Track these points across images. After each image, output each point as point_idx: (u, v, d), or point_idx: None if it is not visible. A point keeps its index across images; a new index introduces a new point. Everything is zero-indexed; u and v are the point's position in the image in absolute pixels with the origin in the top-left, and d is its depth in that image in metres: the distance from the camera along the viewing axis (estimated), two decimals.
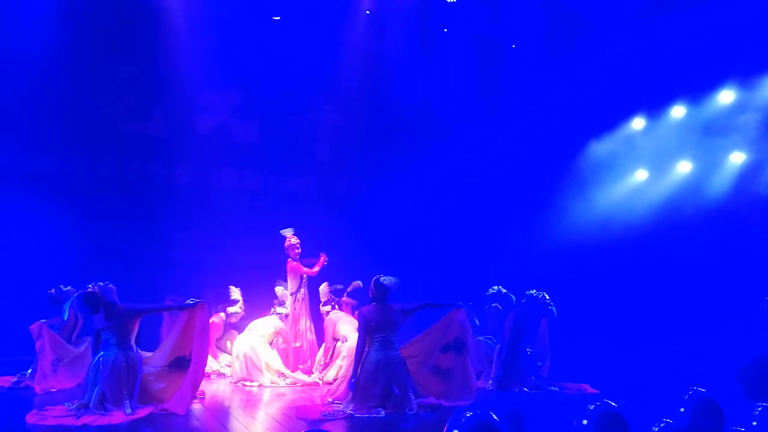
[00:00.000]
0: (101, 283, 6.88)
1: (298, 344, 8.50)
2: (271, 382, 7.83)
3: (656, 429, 3.05)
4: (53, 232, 9.24)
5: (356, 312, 8.09)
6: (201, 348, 6.29)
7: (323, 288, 8.58)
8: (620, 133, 10.79)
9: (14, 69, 9.35)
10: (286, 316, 8.43)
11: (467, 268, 10.95)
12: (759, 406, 3.07)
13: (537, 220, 10.83)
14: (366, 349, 6.52)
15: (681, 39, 9.27)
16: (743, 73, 9.28)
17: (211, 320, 8.57)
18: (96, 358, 6.13)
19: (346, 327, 7.98)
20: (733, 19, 8.82)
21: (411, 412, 6.21)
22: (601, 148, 10.77)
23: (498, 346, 8.02)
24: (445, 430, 2.51)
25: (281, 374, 8.00)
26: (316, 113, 11.88)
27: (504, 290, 8.54)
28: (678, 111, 10.26)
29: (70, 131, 10.08)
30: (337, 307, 8.49)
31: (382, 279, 6.67)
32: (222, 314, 8.87)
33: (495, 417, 2.51)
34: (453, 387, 6.70)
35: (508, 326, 7.93)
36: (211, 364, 8.31)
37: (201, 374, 6.37)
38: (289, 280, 8.56)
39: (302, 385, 7.86)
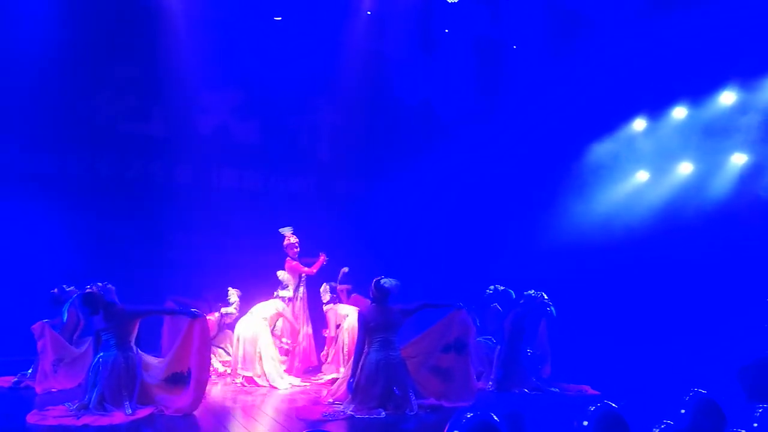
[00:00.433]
0: (100, 284, 6.89)
1: (297, 344, 8.51)
2: (262, 375, 7.74)
3: (657, 430, 3.04)
4: (53, 232, 9.25)
5: (353, 295, 8.26)
6: (202, 365, 6.17)
7: (323, 288, 8.58)
8: (621, 134, 10.77)
9: (14, 69, 9.35)
10: (289, 299, 8.41)
11: (468, 268, 10.93)
12: (760, 407, 3.06)
13: (538, 221, 10.82)
14: (366, 349, 6.52)
15: (682, 40, 9.26)
16: (745, 75, 9.26)
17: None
18: (95, 359, 6.14)
19: (345, 308, 8.15)
20: (735, 19, 8.81)
21: (411, 413, 6.21)
22: (601, 149, 10.75)
23: (498, 347, 8.02)
24: (445, 431, 2.50)
25: (263, 376, 7.84)
26: (317, 113, 11.88)
27: (501, 288, 8.52)
28: (679, 112, 10.24)
29: (70, 131, 10.09)
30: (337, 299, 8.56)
31: (382, 281, 6.66)
32: (217, 314, 8.87)
33: (495, 418, 2.50)
34: (453, 388, 6.69)
35: (507, 327, 7.93)
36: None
37: (203, 391, 6.22)
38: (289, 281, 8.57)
39: (292, 386, 7.79)
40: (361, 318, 6.63)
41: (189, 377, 6.14)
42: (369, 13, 10.97)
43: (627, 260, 9.94)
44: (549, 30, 10.65)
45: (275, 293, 8.43)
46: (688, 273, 9.25)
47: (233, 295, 8.89)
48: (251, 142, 11.46)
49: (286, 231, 8.68)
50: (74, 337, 7.62)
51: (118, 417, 5.74)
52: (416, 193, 11.51)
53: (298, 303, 8.60)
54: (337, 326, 8.25)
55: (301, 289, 8.68)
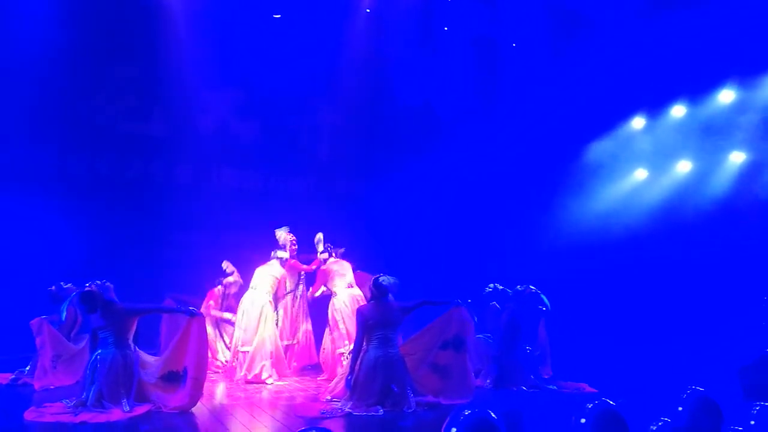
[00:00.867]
0: (99, 282, 6.89)
1: (295, 341, 8.51)
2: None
3: (654, 428, 3.06)
4: (53, 232, 9.27)
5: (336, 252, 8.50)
6: (199, 364, 6.17)
7: (318, 238, 8.60)
8: (620, 132, 10.78)
9: (14, 69, 9.36)
10: (286, 260, 8.42)
11: (467, 267, 10.94)
12: (757, 406, 3.07)
13: (537, 220, 10.84)
14: (365, 346, 6.52)
15: (681, 38, 9.27)
16: (743, 73, 9.28)
17: (209, 293, 8.81)
18: (93, 357, 6.15)
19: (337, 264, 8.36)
20: (734, 18, 8.82)
21: (409, 410, 6.20)
22: (600, 147, 10.77)
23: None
24: (443, 428, 2.51)
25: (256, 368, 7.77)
26: (316, 113, 11.89)
27: (500, 287, 8.52)
28: (678, 110, 10.25)
29: (70, 131, 10.10)
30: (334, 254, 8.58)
31: (381, 279, 6.67)
32: (219, 287, 8.89)
33: (493, 415, 2.51)
34: (451, 385, 6.69)
35: (502, 324, 7.92)
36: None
37: (200, 389, 6.21)
38: (287, 277, 8.57)
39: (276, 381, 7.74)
40: (360, 315, 6.63)
41: (185, 376, 6.14)
42: (368, 11, 10.97)
43: (626, 258, 9.95)
44: (548, 29, 10.67)
45: (272, 254, 8.42)
46: (687, 271, 9.27)
47: (229, 266, 8.91)
48: (251, 142, 11.47)
49: (282, 231, 8.66)
50: (72, 335, 7.62)
51: (115, 414, 5.75)
52: (416, 192, 11.51)
53: (297, 301, 8.60)
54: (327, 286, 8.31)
55: (301, 286, 8.70)
